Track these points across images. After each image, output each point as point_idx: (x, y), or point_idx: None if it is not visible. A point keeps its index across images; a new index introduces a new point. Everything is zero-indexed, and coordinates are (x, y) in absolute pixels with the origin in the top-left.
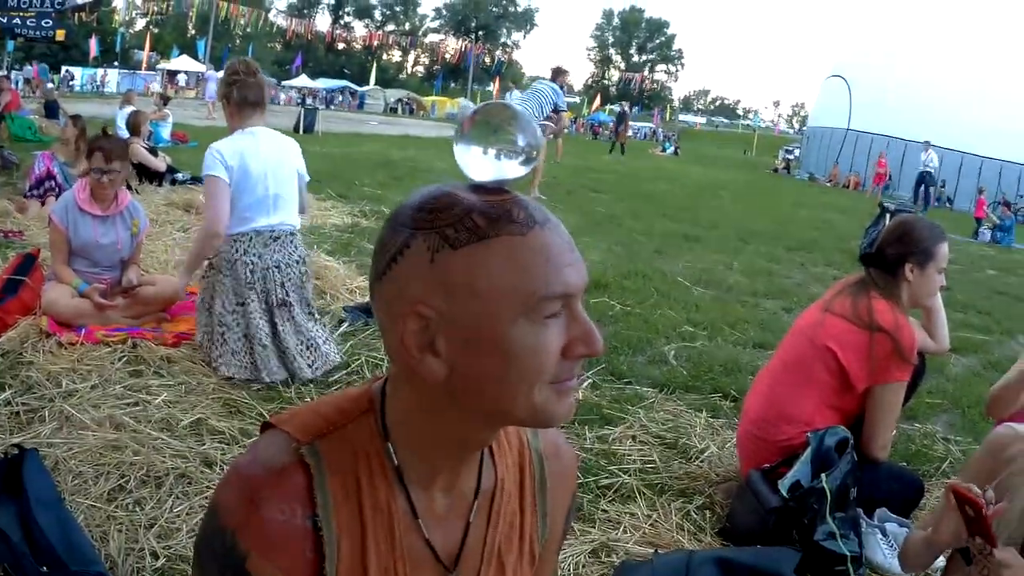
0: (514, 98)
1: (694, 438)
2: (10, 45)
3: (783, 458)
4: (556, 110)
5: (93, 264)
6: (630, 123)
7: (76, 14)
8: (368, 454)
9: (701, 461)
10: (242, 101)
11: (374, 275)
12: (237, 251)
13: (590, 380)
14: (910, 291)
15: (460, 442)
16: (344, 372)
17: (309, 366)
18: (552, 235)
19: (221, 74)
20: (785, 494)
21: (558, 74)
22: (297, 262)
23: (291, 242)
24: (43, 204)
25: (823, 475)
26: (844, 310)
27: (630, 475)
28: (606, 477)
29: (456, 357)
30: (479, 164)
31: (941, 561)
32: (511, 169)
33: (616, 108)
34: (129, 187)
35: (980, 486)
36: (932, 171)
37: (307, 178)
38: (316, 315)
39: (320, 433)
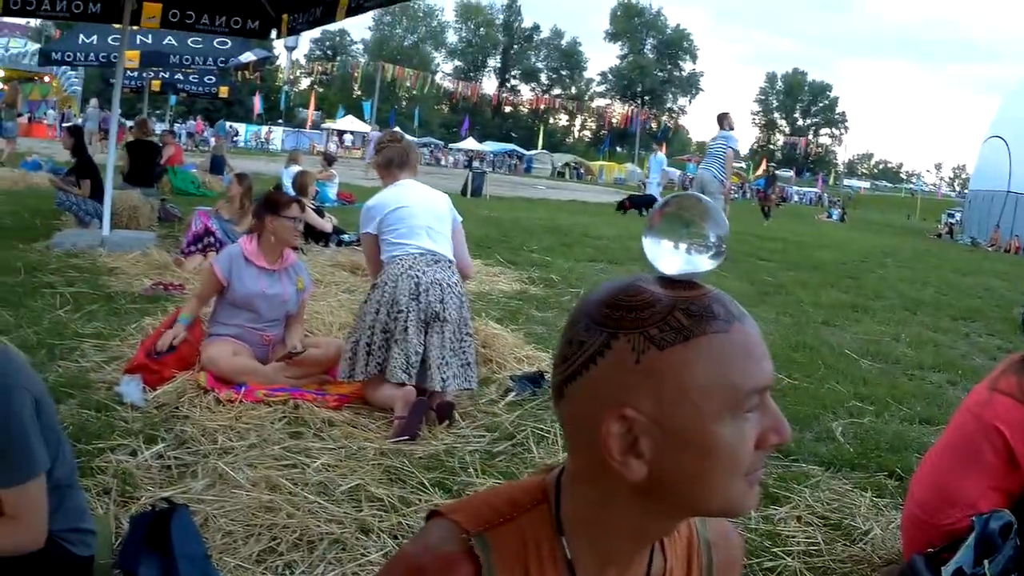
0: (658, 159)
1: (858, 519)
2: (172, 99)
3: (947, 542)
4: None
5: (256, 318)
6: (780, 186)
7: (240, 72)
8: (539, 546)
9: (864, 543)
10: (387, 163)
11: (565, 375)
12: (401, 267)
13: None
14: None
15: (640, 535)
16: (509, 443)
17: (442, 379)
18: (750, 328)
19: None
20: None
21: (723, 119)
22: (456, 284)
23: (450, 268)
24: (204, 257)
25: (986, 561)
26: (1011, 388)
27: (793, 557)
28: (769, 559)
29: (658, 457)
30: (669, 258)
31: None
32: (702, 263)
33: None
34: (296, 248)
35: None
36: None
37: (460, 219)
38: (471, 337)
39: (491, 524)
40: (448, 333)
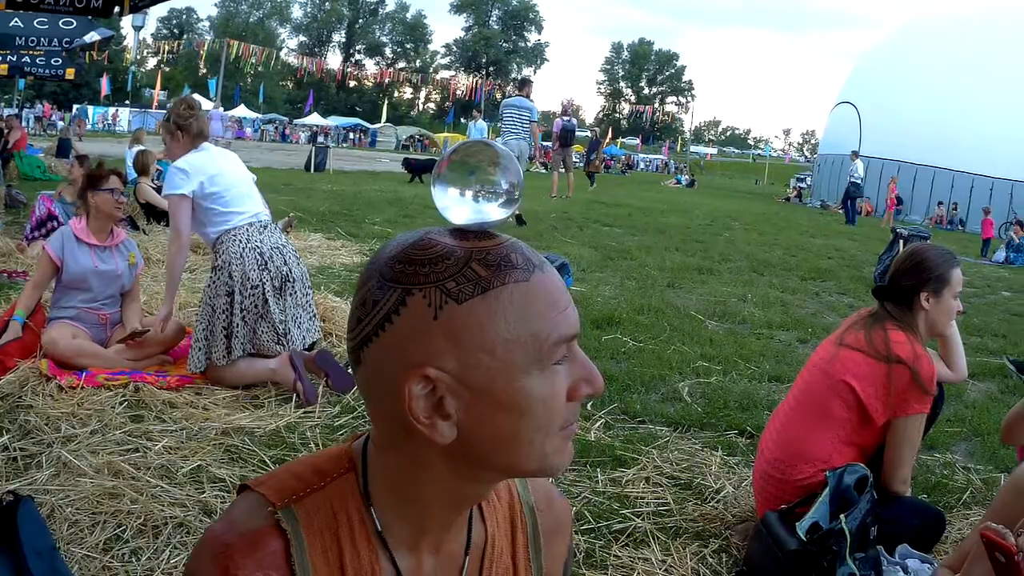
0: (478, 127)
1: (709, 478)
2: (20, 83)
3: (801, 498)
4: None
5: (91, 297)
6: (603, 152)
7: (87, 53)
8: (350, 518)
9: (717, 502)
10: (199, 133)
11: (359, 339)
12: (239, 242)
13: (602, 420)
14: (928, 320)
15: (454, 501)
16: (351, 416)
17: (302, 338)
18: (551, 277)
19: (227, 113)
20: (803, 536)
21: (524, 85)
22: (286, 241)
23: (274, 227)
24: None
25: (842, 515)
26: (859, 343)
27: (643, 519)
28: (619, 521)
29: (467, 417)
30: (458, 207)
31: None
32: (492, 211)
33: (560, 127)
34: (136, 227)
35: (1008, 524)
36: (858, 181)
37: (255, 177)
38: (311, 289)
39: (297, 495)
40: (298, 290)
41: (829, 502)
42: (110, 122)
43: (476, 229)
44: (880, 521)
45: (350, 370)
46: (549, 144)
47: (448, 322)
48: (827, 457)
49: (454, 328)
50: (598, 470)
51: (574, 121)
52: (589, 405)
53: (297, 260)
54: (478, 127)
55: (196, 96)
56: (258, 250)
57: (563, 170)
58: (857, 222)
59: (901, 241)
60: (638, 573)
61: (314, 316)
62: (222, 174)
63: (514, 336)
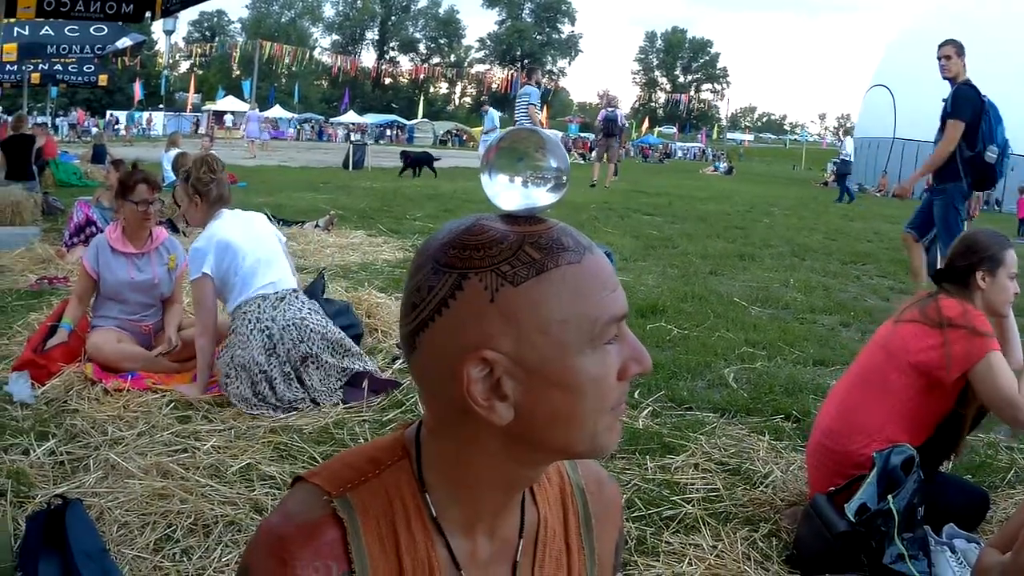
0: (490, 116)
1: (757, 463)
2: (53, 91)
3: (853, 474)
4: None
5: (130, 310)
6: (626, 138)
7: (119, 59)
8: (405, 504)
9: (765, 486)
10: (219, 199)
11: (415, 324)
12: (248, 322)
13: (650, 408)
14: (984, 299)
15: (508, 484)
16: (399, 411)
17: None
18: (601, 259)
19: (263, 114)
20: (852, 518)
21: (531, 73)
22: (312, 310)
23: (296, 297)
24: (87, 247)
25: (890, 496)
26: (914, 316)
27: (693, 505)
28: (669, 508)
29: (524, 398)
30: (507, 194)
31: None
32: (540, 196)
33: (603, 118)
34: (176, 229)
35: None
36: (848, 159)
37: (285, 239)
38: (351, 349)
39: (352, 484)
40: (327, 361)
41: (876, 483)
42: (144, 126)
43: (526, 214)
44: (926, 501)
45: (397, 362)
46: (591, 135)
47: (504, 304)
48: (880, 428)
49: (510, 310)
50: (647, 457)
51: (617, 112)
52: (636, 393)
53: (324, 326)
54: (490, 116)
55: (231, 98)
56: (267, 331)
57: (606, 160)
58: (854, 199)
59: None
60: (689, 559)
61: (346, 377)
62: (233, 245)
63: (568, 316)
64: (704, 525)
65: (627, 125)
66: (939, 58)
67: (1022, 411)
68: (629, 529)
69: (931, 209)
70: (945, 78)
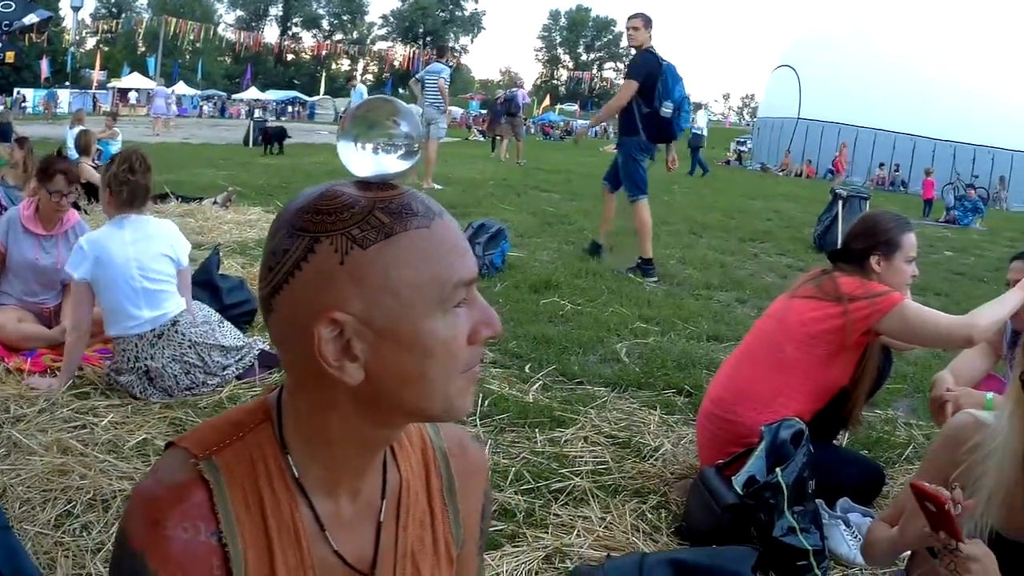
0: (357, 91)
1: (648, 436)
2: None
3: (742, 448)
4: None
5: (32, 291)
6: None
7: (26, 36)
8: (267, 466)
9: (655, 459)
10: (131, 199)
11: (271, 287)
12: (127, 359)
13: (541, 382)
14: (880, 282)
15: (363, 445)
16: None
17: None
18: (450, 224)
19: (169, 90)
20: (740, 490)
21: (442, 52)
22: (191, 347)
23: (176, 332)
24: None
25: (778, 469)
26: (809, 292)
27: (582, 477)
28: (558, 481)
29: (374, 359)
30: (359, 159)
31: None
32: (391, 163)
33: (508, 97)
34: (78, 207)
35: (942, 477)
36: (700, 132)
37: (185, 264)
38: (241, 345)
39: (217, 447)
40: (217, 362)
41: (765, 457)
42: (40, 108)
43: (378, 180)
44: (820, 474)
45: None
46: (485, 112)
47: (354, 267)
48: (772, 399)
49: (360, 272)
50: (536, 431)
51: (516, 92)
52: (527, 367)
53: (207, 353)
54: (357, 92)
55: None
56: (146, 369)
57: (514, 138)
58: (708, 172)
59: (840, 202)
60: (578, 531)
61: (240, 367)
62: (115, 267)
63: (416, 279)
64: (593, 497)
65: (529, 102)
66: (627, 28)
67: (972, 326)
68: (518, 502)
69: (620, 163)
70: (632, 46)
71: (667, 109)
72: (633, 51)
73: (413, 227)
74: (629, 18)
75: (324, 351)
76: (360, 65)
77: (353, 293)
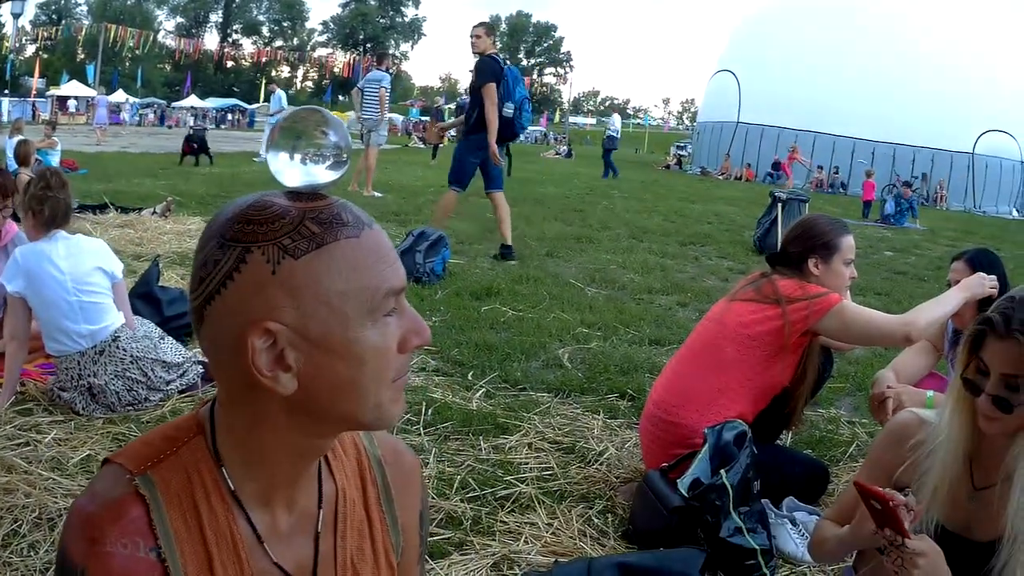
0: (276, 96)
1: (592, 441)
2: None
3: (685, 450)
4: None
5: None
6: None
7: None
8: (203, 479)
9: (600, 464)
10: (52, 218)
11: (202, 298)
12: (71, 377)
13: (483, 389)
14: (819, 284)
15: (297, 454)
16: None
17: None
18: (380, 235)
19: (109, 98)
20: (685, 493)
21: (382, 59)
22: (133, 362)
23: (118, 347)
24: None
25: (723, 471)
26: (748, 295)
27: (528, 484)
28: (503, 488)
29: (307, 368)
30: (289, 171)
31: None
32: (320, 173)
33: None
34: (17, 219)
35: (887, 474)
36: (614, 135)
37: (120, 278)
38: (182, 361)
39: (151, 462)
40: (160, 378)
41: (709, 459)
42: None
43: (307, 191)
44: (765, 474)
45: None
46: (427, 118)
47: (286, 277)
48: (713, 400)
49: (291, 282)
50: (481, 438)
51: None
52: (470, 375)
53: (151, 368)
54: (276, 97)
55: (75, 83)
56: (88, 387)
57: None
58: (618, 175)
59: (779, 205)
60: (525, 537)
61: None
62: (50, 280)
63: (346, 289)
64: (539, 504)
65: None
66: (471, 36)
67: (910, 325)
68: (464, 510)
69: (459, 156)
70: (475, 53)
71: (508, 110)
72: (476, 57)
73: (343, 237)
74: (473, 27)
75: (257, 361)
76: (300, 72)
77: (286, 303)
